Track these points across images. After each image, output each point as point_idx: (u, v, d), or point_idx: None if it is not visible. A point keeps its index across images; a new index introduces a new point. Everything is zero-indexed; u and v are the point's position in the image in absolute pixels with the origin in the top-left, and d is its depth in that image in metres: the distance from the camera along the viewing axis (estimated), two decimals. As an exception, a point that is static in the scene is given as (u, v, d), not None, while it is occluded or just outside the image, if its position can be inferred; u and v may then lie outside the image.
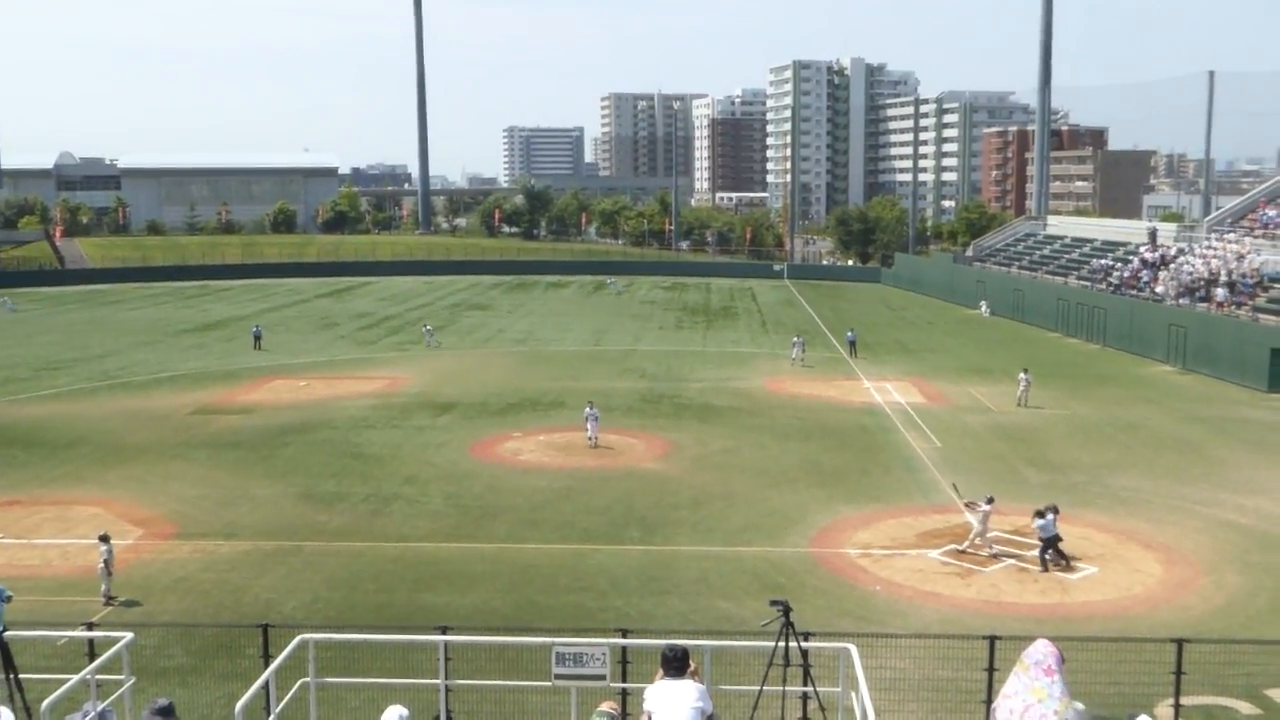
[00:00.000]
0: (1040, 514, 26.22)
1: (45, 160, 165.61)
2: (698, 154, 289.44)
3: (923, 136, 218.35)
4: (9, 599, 10.13)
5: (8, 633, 10.00)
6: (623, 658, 15.24)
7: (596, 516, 30.65)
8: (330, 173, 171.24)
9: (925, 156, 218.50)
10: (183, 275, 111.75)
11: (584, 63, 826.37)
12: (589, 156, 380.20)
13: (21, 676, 9.88)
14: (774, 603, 11.43)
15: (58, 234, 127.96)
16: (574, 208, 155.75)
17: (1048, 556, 26.06)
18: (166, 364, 58.08)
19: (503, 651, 15.77)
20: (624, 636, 15.62)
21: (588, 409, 39.60)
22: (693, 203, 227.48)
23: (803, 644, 11.31)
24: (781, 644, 11.20)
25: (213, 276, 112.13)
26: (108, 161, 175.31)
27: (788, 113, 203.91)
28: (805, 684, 11.70)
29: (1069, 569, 25.96)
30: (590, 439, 38.90)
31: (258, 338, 63.21)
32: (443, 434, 40.98)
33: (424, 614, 22.69)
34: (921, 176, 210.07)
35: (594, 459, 37.31)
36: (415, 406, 46.13)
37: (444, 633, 13.18)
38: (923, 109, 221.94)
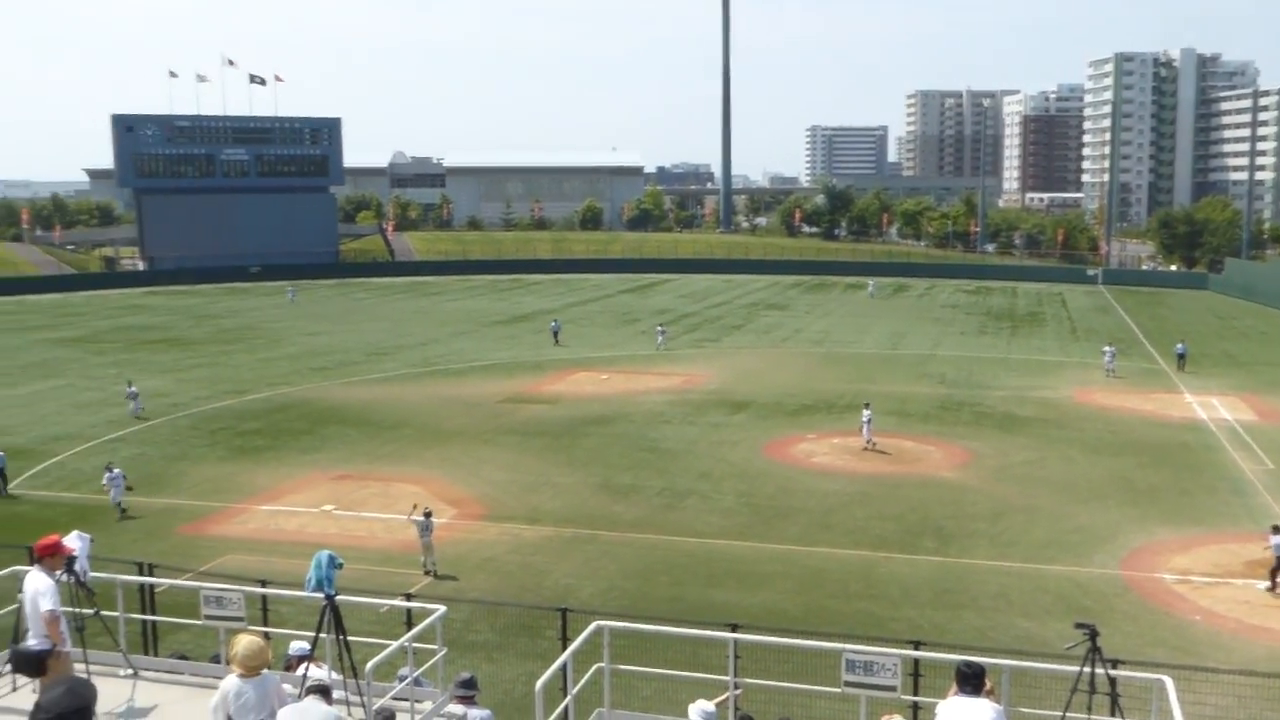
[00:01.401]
0: (1276, 529, 24.92)
1: (381, 159, 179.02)
2: (1007, 153, 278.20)
3: (1261, 131, 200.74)
4: (340, 566, 10.97)
5: (338, 597, 10.85)
6: (914, 670, 14.86)
7: (890, 523, 30.10)
8: (636, 171, 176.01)
9: (1264, 153, 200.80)
10: (498, 269, 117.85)
11: (889, 60, 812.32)
12: (892, 156, 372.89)
13: (349, 638, 10.71)
14: (1080, 625, 10.83)
15: (390, 228, 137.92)
16: (875, 208, 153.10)
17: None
18: (480, 353, 61.50)
19: (791, 653, 15.71)
20: (916, 648, 15.24)
21: (865, 410, 39.11)
22: (1000, 203, 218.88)
23: (1111, 671, 10.65)
24: (1087, 670, 10.60)
25: (525, 270, 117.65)
26: (435, 160, 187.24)
27: (1108, 108, 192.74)
28: (1112, 714, 11.04)
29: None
30: (867, 441, 38.41)
31: (555, 333, 65.52)
32: (737, 432, 41.34)
33: (714, 610, 23.00)
34: (1259, 175, 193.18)
35: (888, 465, 36.64)
36: (711, 404, 46.75)
37: (734, 630, 13.30)
38: (1262, 101, 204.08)
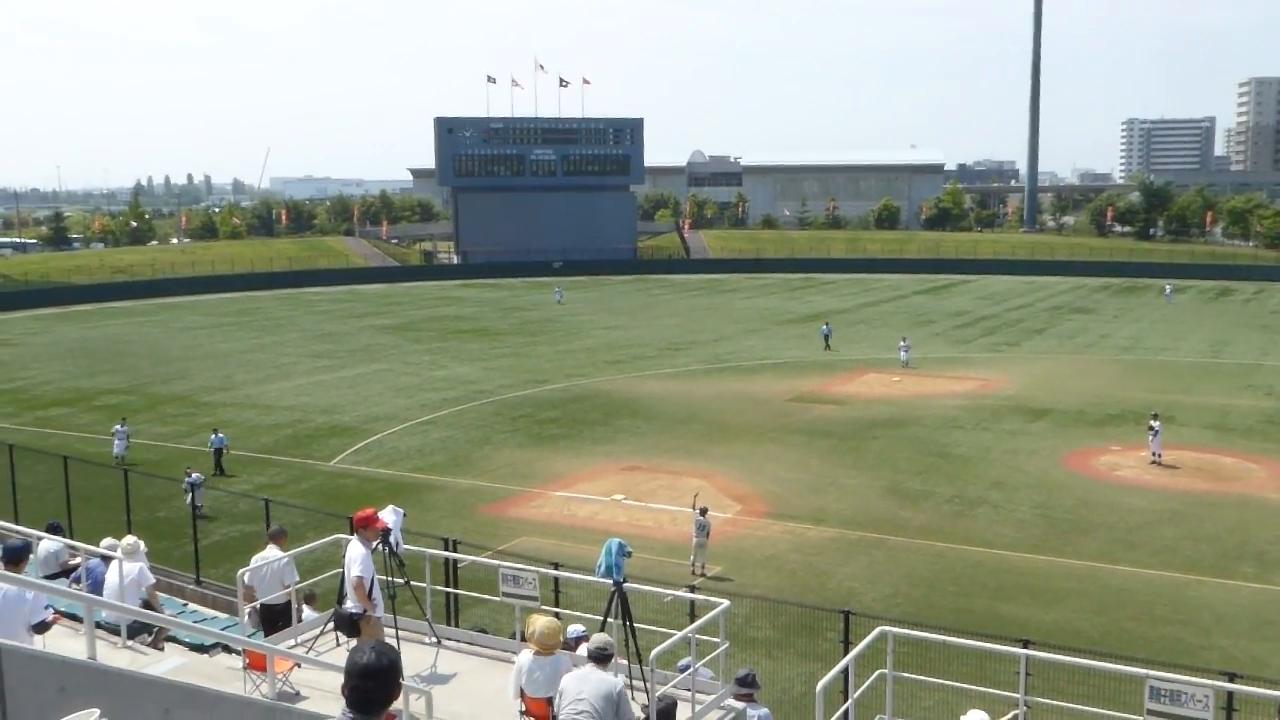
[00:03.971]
0: None
1: (680, 159, 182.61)
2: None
3: None
4: (629, 554, 11.34)
5: (626, 584, 11.22)
6: (1228, 704, 13.84)
7: (1203, 545, 28.04)
8: (936, 169, 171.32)
9: None
10: (791, 268, 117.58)
11: (1219, 46, 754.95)
12: (1219, 149, 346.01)
13: (635, 625, 11.04)
14: None
15: (686, 226, 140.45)
16: (1198, 205, 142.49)
17: None
18: (770, 351, 61.67)
19: (1087, 675, 14.93)
20: (1231, 680, 14.15)
21: (1153, 421, 36.48)
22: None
23: None
24: None
25: (818, 270, 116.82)
26: (732, 159, 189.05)
27: None
28: None
29: None
30: (1154, 455, 36.13)
31: (827, 337, 63.07)
32: (1035, 440, 39.60)
33: (1002, 624, 22.18)
34: None
35: (1204, 482, 34.12)
36: (1007, 410, 44.98)
37: (1025, 646, 12.78)
38: None
